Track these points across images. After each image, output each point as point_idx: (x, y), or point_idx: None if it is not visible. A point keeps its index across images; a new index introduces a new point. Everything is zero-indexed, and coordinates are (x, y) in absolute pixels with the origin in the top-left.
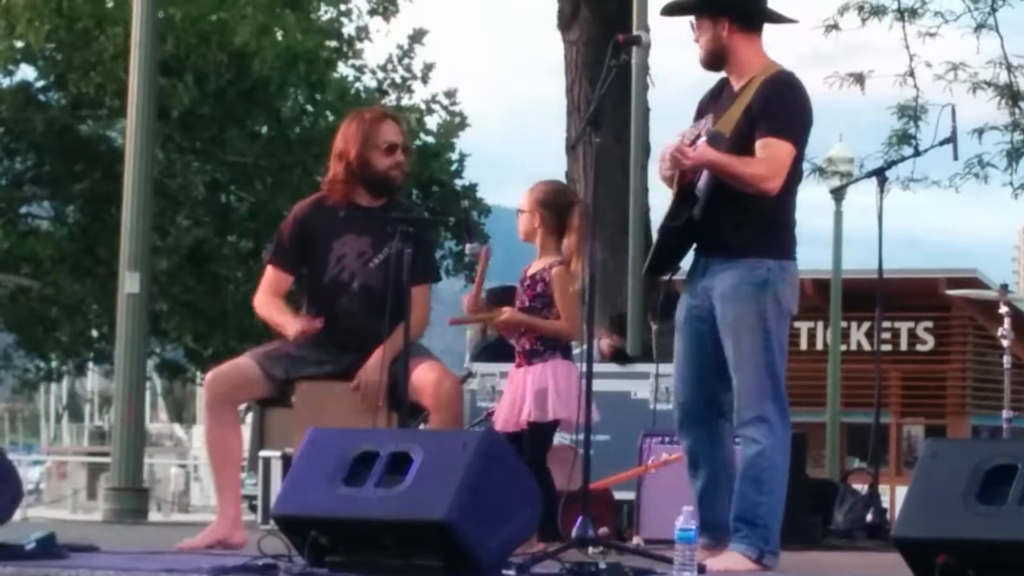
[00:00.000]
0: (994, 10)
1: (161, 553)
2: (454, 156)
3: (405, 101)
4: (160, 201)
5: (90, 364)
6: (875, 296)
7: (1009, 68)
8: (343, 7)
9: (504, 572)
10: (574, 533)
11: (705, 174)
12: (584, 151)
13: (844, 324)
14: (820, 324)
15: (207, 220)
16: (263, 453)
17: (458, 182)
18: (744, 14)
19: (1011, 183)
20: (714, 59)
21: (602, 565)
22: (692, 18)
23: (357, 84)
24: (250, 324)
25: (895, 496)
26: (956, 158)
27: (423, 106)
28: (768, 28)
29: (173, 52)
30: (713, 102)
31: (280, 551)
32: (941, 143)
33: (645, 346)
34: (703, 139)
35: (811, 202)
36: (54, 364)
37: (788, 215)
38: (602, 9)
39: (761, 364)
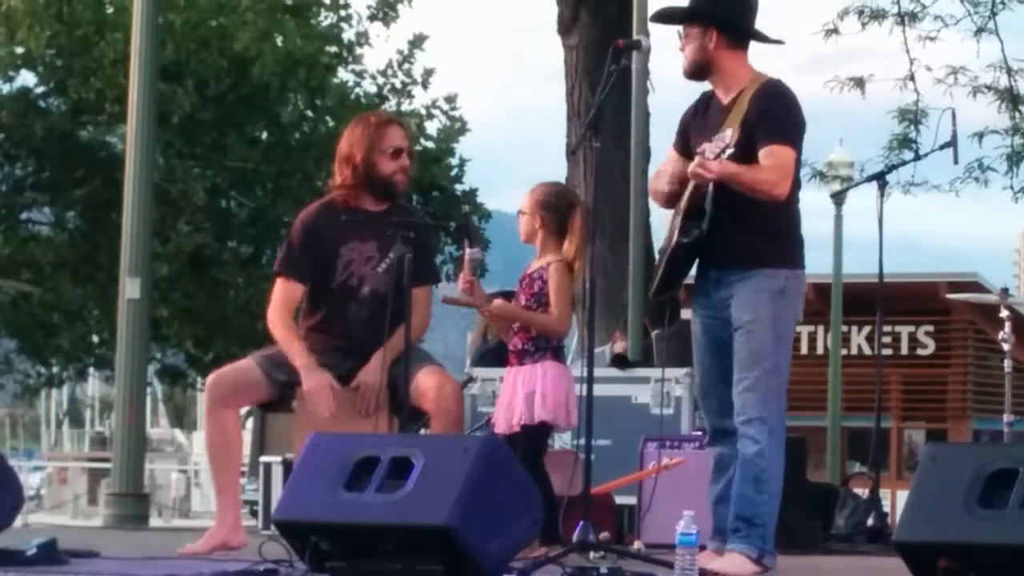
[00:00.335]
0: (994, 14)
1: (162, 559)
2: (454, 161)
3: (405, 106)
4: (160, 207)
5: (91, 370)
6: (876, 300)
7: (1009, 72)
8: (343, 12)
9: None
10: (575, 537)
11: (710, 188)
12: (584, 156)
13: (845, 328)
14: (821, 328)
15: (207, 226)
16: (264, 458)
17: (458, 187)
18: (732, 27)
19: (1011, 187)
20: (698, 69)
21: (603, 570)
22: (680, 27)
23: (357, 89)
24: (251, 329)
25: (896, 500)
26: (956, 162)
27: (423, 111)
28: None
29: (173, 58)
30: (698, 117)
31: (281, 556)
32: (941, 147)
33: (646, 351)
34: (729, 151)
35: (811, 206)
36: (55, 370)
37: (796, 225)
38: (602, 14)
39: (769, 367)
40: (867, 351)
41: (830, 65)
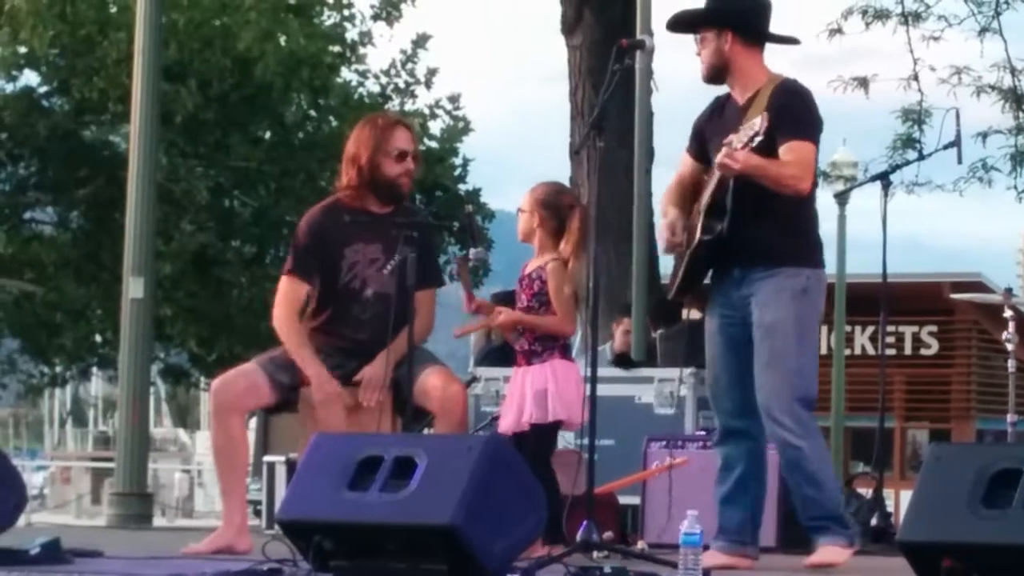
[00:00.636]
0: (998, 14)
1: (165, 558)
2: (457, 161)
3: (408, 106)
4: (164, 206)
5: (94, 369)
6: (879, 300)
7: (1013, 72)
8: (346, 12)
9: None
10: (579, 537)
11: (731, 185)
12: (588, 156)
13: (848, 328)
14: (824, 328)
15: (211, 225)
16: (267, 458)
17: (461, 187)
18: (746, 28)
19: (1015, 187)
20: (716, 72)
21: (607, 569)
22: (696, 35)
23: (360, 89)
24: (255, 329)
25: (899, 500)
26: (960, 162)
27: (426, 111)
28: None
29: (176, 57)
30: (715, 119)
31: (285, 556)
32: (945, 147)
33: (649, 350)
34: (759, 139)
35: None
36: (58, 369)
37: (815, 225)
38: (606, 14)
39: (793, 367)
40: (871, 351)
41: (834, 65)
